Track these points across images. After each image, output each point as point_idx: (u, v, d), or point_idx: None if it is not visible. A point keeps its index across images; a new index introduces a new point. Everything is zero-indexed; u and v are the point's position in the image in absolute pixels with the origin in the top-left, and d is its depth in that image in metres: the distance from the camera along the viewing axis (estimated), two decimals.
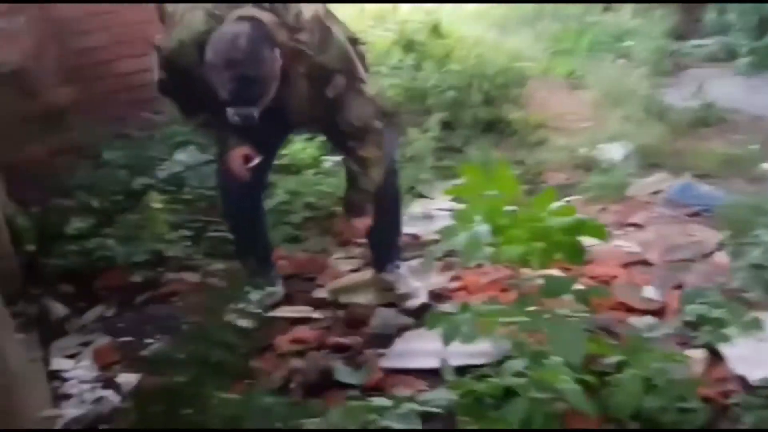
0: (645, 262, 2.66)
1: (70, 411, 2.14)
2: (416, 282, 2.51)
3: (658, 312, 2.31)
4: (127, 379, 2.26)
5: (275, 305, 2.55)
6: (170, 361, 1.72)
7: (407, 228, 2.82)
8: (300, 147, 3.42)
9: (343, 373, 2.13)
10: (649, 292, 2.43)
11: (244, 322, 1.81)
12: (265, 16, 2.02)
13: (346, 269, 2.78)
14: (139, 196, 3.12)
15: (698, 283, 2.44)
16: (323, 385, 2.12)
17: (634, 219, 2.98)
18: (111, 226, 2.95)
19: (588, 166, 3.51)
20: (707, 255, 2.65)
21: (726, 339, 2.00)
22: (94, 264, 2.82)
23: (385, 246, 2.52)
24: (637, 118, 3.87)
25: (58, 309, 2.70)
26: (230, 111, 1.95)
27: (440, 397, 1.91)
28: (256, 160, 2.25)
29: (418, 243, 2.92)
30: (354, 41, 2.21)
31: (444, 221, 2.41)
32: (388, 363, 2.20)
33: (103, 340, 2.52)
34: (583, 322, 1.72)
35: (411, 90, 3.91)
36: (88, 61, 3.57)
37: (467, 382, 1.87)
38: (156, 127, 3.55)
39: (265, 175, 2.47)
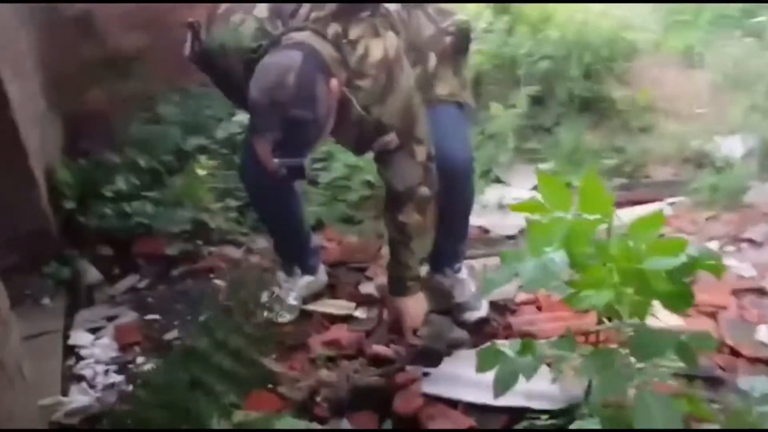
0: (761, 291, 2.21)
1: (75, 398, 1.96)
2: (476, 288, 2.16)
3: None
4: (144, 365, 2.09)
5: (315, 296, 2.28)
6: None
7: (476, 218, 2.43)
8: None
9: None
10: (764, 333, 1.99)
11: (272, 317, 1.57)
12: (324, 47, 1.69)
13: None
14: (189, 158, 2.89)
15: None
16: (353, 404, 1.86)
17: (752, 233, 2.51)
18: (155, 190, 2.73)
19: (700, 161, 3.03)
20: None
21: None
22: (133, 229, 2.62)
23: (447, 247, 2.15)
24: (763, 108, 3.30)
25: (93, 274, 2.55)
26: (276, 162, 1.65)
27: None
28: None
29: (486, 238, 2.56)
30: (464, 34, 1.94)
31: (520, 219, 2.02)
32: (431, 388, 1.89)
33: (128, 317, 2.35)
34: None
35: (499, 57, 3.46)
36: (156, 9, 3.35)
37: None
38: None
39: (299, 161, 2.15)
